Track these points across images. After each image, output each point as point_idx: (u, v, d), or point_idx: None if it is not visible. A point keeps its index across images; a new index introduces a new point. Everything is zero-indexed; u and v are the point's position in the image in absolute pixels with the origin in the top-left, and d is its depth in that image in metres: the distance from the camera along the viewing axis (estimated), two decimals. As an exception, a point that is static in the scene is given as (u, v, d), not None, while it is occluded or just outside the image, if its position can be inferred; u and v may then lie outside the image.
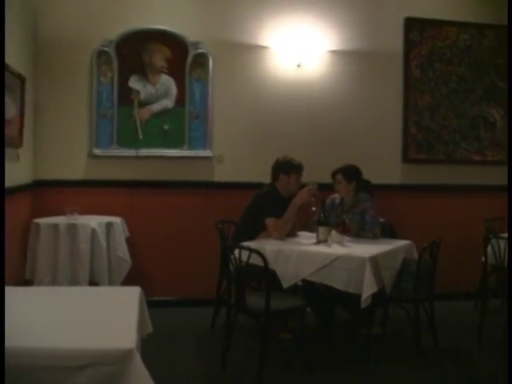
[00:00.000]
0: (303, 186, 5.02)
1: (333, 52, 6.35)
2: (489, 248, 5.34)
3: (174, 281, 6.14)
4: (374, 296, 4.26)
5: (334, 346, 4.95)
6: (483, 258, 5.47)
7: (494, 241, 5.28)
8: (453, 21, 6.69)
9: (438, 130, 6.68)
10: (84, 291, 3.56)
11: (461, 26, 6.72)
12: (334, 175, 5.33)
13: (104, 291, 3.68)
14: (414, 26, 6.58)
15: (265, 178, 5.29)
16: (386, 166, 6.55)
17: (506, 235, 5.31)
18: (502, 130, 6.87)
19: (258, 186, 5.37)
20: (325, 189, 5.28)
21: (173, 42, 6.07)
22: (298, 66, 6.23)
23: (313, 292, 4.82)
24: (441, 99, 6.69)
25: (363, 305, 4.21)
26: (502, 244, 5.17)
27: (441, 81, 6.69)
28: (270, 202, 4.98)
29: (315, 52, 6.28)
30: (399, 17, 6.55)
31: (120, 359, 2.23)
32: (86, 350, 2.25)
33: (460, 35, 6.73)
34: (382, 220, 5.34)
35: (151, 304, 3.78)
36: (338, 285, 4.34)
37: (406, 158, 6.62)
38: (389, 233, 5.36)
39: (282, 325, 5.08)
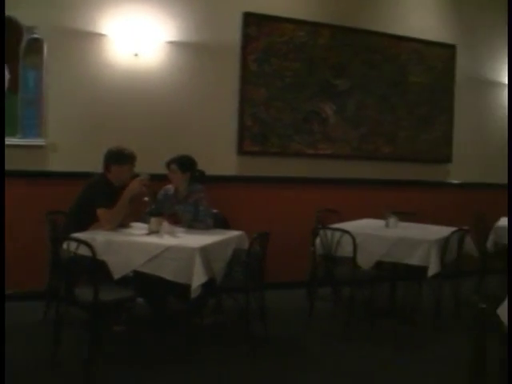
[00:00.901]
0: (136, 176, 5.00)
1: (171, 43, 6.35)
2: (318, 239, 5.57)
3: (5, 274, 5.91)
4: (205, 286, 4.35)
5: (168, 336, 4.99)
6: (312, 248, 5.69)
7: (322, 232, 5.53)
8: (289, 18, 6.89)
9: (273, 124, 6.86)
10: None
11: (297, 23, 6.93)
12: (168, 165, 5.35)
13: None
14: (251, 21, 6.69)
15: (100, 167, 5.19)
16: (221, 157, 6.65)
17: (333, 226, 5.58)
18: (333, 125, 7.18)
19: (92, 175, 5.27)
20: (159, 179, 5.30)
21: (6, 26, 5.82)
22: (136, 55, 6.17)
23: (144, 283, 4.82)
24: (276, 93, 6.87)
25: (193, 295, 4.28)
26: (329, 234, 5.42)
27: (276, 75, 6.86)
28: (102, 192, 4.91)
29: (153, 42, 6.25)
30: (237, 11, 6.65)
31: None
32: None
33: (296, 32, 6.93)
34: (215, 211, 5.44)
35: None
36: (168, 275, 4.37)
37: (241, 150, 6.75)
38: (222, 224, 5.46)
39: (115, 317, 5.05)
